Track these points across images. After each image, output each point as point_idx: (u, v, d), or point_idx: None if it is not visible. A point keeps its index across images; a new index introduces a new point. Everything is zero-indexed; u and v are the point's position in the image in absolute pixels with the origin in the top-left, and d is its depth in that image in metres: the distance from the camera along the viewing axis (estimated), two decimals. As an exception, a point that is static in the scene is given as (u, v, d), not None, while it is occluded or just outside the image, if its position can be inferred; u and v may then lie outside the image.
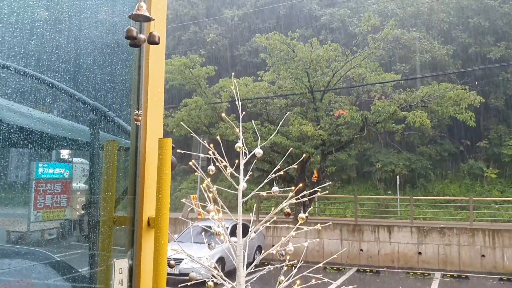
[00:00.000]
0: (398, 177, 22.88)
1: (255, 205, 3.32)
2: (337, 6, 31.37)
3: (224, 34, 34.27)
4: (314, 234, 16.68)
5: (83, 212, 1.39)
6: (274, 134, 4.88)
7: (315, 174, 20.29)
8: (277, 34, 19.11)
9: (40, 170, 1.97)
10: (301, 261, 2.70)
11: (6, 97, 1.47)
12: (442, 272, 15.28)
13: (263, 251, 2.82)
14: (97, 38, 1.46)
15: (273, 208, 2.71)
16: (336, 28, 30.47)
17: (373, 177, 25.52)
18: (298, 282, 2.54)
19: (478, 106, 18.18)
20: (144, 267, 1.21)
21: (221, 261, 12.30)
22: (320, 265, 3.07)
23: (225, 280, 2.56)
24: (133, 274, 1.20)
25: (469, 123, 17.31)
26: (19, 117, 1.72)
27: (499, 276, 14.57)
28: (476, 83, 24.32)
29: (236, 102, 3.05)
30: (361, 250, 17.04)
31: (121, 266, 1.19)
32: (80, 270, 1.41)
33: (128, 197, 1.26)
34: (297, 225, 2.62)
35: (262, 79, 21.09)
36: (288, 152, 4.28)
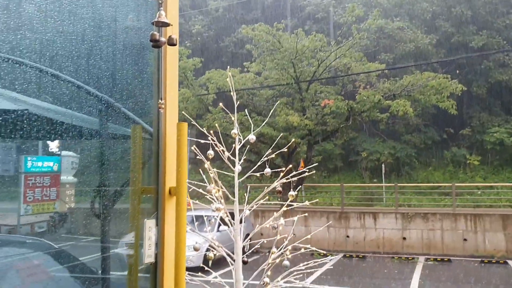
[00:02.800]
0: (383, 165, 23.34)
1: (248, 186, 3.58)
2: (322, -4, 31.63)
3: (209, 25, 34.34)
4: (301, 223, 17.06)
5: (120, 185, 1.67)
6: (262, 124, 5.15)
7: (302, 164, 20.62)
8: (263, 25, 19.31)
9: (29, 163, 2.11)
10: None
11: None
12: (426, 256, 15.77)
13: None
14: (125, 41, 1.72)
15: (266, 187, 2.99)
16: (321, 18, 30.75)
17: (359, 166, 25.96)
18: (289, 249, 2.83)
19: (460, 95, 18.65)
20: (167, 228, 1.48)
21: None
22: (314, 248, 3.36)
23: (228, 255, 2.85)
24: (158, 235, 1.47)
25: (451, 111, 17.78)
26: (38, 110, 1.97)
27: (480, 259, 15.09)
28: (458, 71, 24.83)
29: (231, 93, 3.31)
30: (347, 236, 17.47)
31: (150, 225, 1.47)
32: (118, 230, 1.70)
33: (153, 171, 1.53)
34: (288, 202, 2.91)
35: (248, 70, 21.29)
36: (279, 138, 4.56)
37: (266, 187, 2.99)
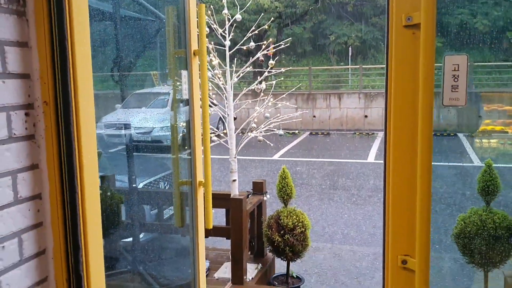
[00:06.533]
0: (350, 48, 23.98)
1: (235, 59, 4.27)
2: None
3: None
4: (272, 105, 18.00)
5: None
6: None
7: (271, 47, 20.99)
8: None
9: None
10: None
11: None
12: (385, 132, 17.20)
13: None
14: None
15: (250, 58, 3.69)
16: None
17: (327, 50, 26.51)
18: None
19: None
20: (194, 78, 2.19)
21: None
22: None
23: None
24: (189, 81, 2.19)
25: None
26: None
27: (435, 133, 16.62)
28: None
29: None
30: (314, 116, 18.66)
31: (184, 74, 2.19)
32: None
33: (182, 37, 2.19)
34: (268, 69, 3.64)
35: None
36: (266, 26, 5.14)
37: (251, 58, 3.69)
